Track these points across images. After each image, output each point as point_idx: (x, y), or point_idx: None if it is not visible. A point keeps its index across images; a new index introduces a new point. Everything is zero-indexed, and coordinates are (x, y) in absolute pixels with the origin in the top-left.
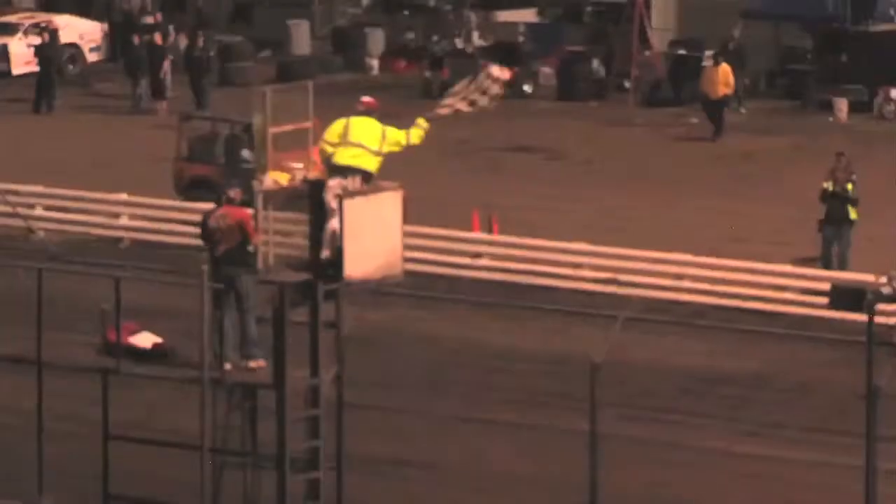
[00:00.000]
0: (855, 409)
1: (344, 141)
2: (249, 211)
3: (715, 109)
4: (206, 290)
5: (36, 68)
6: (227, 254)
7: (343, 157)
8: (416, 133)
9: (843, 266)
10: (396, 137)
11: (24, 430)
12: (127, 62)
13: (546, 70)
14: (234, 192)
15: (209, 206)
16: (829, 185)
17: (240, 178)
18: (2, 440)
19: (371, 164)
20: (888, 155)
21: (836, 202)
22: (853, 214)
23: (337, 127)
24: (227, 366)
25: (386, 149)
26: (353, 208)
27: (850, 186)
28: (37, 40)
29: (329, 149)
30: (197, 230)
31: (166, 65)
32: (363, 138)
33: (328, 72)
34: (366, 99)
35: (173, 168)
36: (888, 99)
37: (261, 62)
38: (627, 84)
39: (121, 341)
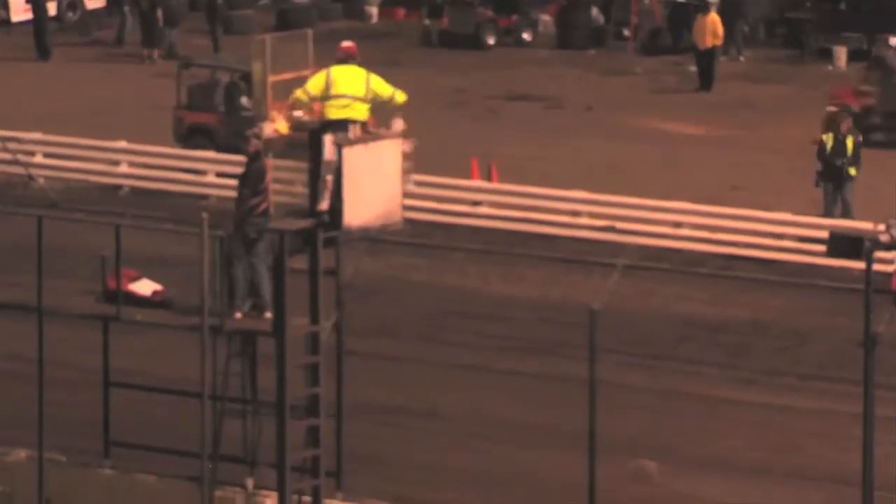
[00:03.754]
0: (853, 357)
1: (329, 94)
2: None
3: (703, 60)
4: (206, 237)
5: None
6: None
7: (334, 111)
8: (401, 95)
9: (847, 215)
10: (383, 89)
11: (25, 378)
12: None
13: (545, 18)
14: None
15: (207, 153)
16: (827, 140)
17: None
18: (3, 387)
19: (362, 112)
20: None
21: (834, 159)
22: (853, 171)
23: (319, 79)
24: (238, 314)
25: (371, 96)
26: (352, 157)
27: (849, 143)
28: None
29: (306, 99)
30: (195, 178)
31: (159, 14)
32: (349, 89)
33: (327, 20)
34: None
35: (173, 116)
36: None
37: (260, 10)
38: (626, 32)
39: (121, 288)
